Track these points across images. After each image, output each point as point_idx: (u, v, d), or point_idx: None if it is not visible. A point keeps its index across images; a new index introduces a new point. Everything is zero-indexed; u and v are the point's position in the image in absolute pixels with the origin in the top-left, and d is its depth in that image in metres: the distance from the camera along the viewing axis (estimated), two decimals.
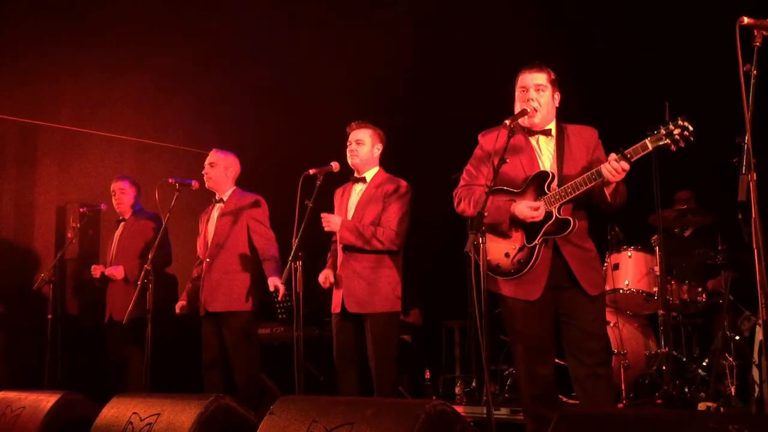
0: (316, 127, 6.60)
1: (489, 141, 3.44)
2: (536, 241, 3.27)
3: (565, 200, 3.24)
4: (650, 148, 3.07)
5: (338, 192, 4.45)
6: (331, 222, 4.14)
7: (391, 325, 4.14)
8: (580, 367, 3.29)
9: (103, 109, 6.64)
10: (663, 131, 3.03)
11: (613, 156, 3.11)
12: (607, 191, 3.22)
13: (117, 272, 5.29)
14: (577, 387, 3.32)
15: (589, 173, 3.19)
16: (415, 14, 6.73)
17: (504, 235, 3.35)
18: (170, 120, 7.00)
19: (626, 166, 3.09)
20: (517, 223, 3.33)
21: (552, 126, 3.44)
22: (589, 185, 3.19)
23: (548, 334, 3.36)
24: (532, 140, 3.42)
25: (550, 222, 3.26)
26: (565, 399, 4.73)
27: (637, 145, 3.09)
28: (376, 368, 4.08)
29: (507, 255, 3.33)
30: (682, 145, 3.02)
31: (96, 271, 5.36)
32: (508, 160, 3.29)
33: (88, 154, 6.55)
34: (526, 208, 3.27)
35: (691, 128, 3.00)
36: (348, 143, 4.32)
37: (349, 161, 4.31)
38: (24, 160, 6.30)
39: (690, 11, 5.68)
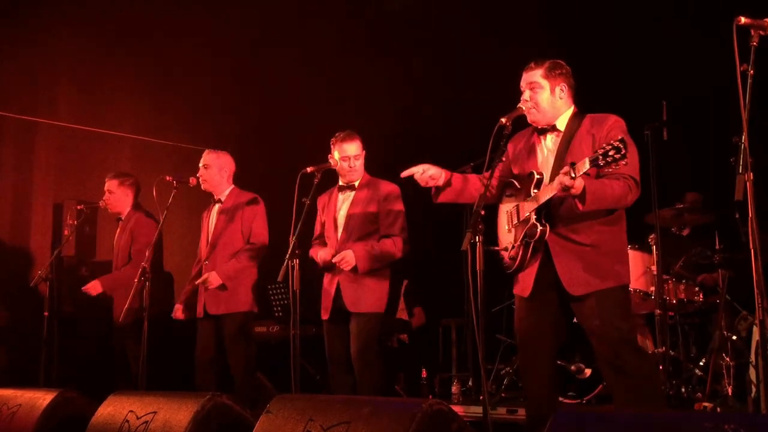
0: (314, 125, 6.59)
1: (510, 143, 3.45)
2: (517, 243, 3.28)
3: (537, 206, 3.16)
4: (588, 166, 2.89)
5: (323, 199, 4.44)
6: (348, 260, 4.12)
7: (375, 324, 4.20)
8: (603, 372, 3.26)
9: (100, 106, 6.62)
10: (600, 151, 2.84)
11: (565, 168, 2.95)
12: (575, 198, 2.99)
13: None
14: None
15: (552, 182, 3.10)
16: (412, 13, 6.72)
17: (509, 230, 3.39)
18: (168, 117, 6.98)
19: (568, 180, 2.89)
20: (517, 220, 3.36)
21: (561, 120, 3.29)
22: (552, 194, 3.07)
23: (544, 332, 3.28)
24: (540, 138, 3.38)
25: (528, 225, 3.21)
26: (562, 399, 4.73)
27: (579, 162, 2.92)
28: (359, 367, 4.13)
29: (506, 249, 3.39)
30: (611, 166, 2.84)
31: None
32: (504, 160, 3.34)
33: (86, 151, 6.52)
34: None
35: (619, 148, 2.78)
36: (343, 159, 4.26)
37: (345, 178, 4.29)
38: (21, 156, 6.28)
39: (688, 11, 5.68)
